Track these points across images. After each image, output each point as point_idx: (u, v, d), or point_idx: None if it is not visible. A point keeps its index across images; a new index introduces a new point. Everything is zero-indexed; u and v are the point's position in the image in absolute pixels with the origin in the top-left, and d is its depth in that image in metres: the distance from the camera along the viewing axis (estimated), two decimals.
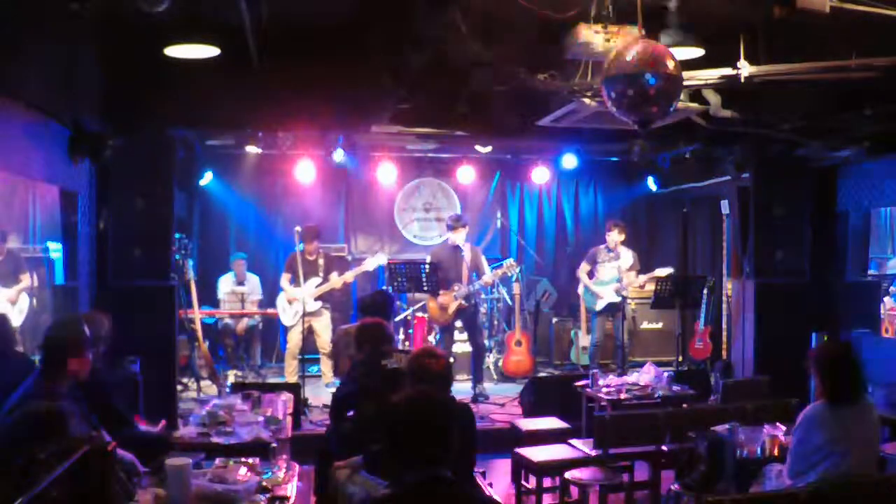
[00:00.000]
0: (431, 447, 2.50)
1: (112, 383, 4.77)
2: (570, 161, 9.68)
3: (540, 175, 10.24)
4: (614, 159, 10.27)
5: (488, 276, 8.34)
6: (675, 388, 6.36)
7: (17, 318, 7.40)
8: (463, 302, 8.22)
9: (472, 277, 8.29)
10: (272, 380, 8.97)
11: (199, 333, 8.18)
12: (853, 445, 3.75)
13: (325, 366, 8.80)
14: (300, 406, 7.12)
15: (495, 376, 9.40)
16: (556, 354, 10.08)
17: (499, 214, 10.77)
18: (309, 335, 8.70)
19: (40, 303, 8.02)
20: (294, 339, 8.64)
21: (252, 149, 9.03)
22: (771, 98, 6.26)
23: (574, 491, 5.22)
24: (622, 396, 6.19)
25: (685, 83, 4.53)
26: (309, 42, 5.98)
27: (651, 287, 8.49)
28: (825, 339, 6.58)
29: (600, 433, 5.02)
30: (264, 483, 3.66)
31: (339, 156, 8.78)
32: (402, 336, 9.39)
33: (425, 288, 8.15)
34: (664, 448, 5.13)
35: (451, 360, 4.54)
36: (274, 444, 4.38)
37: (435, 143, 9.14)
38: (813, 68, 5.30)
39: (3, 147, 5.03)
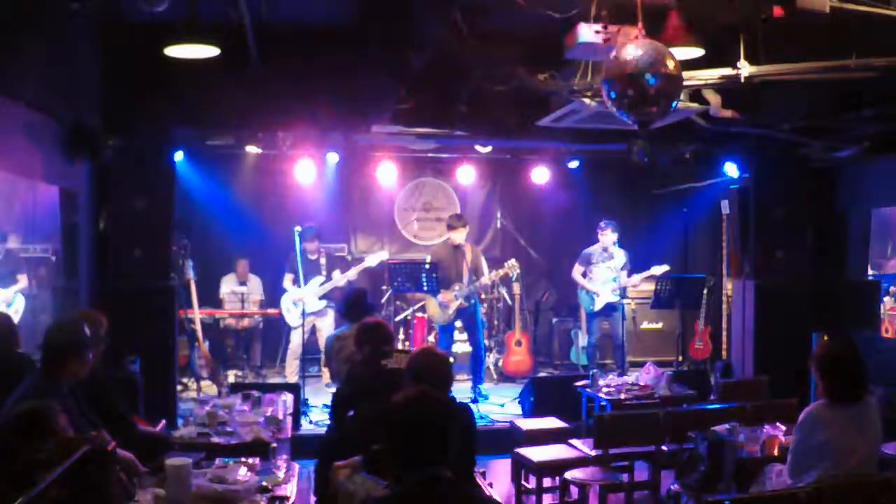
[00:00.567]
0: (431, 447, 2.50)
1: (112, 383, 4.77)
2: (570, 162, 9.69)
3: (540, 175, 10.24)
4: (614, 159, 10.27)
5: (488, 276, 8.33)
6: (675, 388, 6.36)
7: (12, 319, 7.39)
8: (463, 301, 8.22)
9: (472, 277, 8.29)
10: (272, 380, 8.98)
11: (199, 333, 8.18)
12: (854, 445, 3.75)
13: (325, 366, 8.80)
14: (300, 406, 7.12)
15: (495, 376, 9.40)
16: (556, 354, 10.08)
17: (499, 214, 10.76)
18: (312, 335, 8.70)
19: (40, 303, 8.01)
20: (296, 340, 8.64)
21: (252, 149, 9.02)
22: (771, 98, 6.27)
23: (574, 491, 5.22)
24: (622, 396, 6.19)
25: (685, 83, 4.53)
26: (309, 42, 6.00)
27: (649, 286, 8.49)
28: (825, 339, 6.57)
29: (600, 433, 5.02)
30: (264, 483, 3.66)
31: (332, 159, 8.78)
32: (402, 336, 9.39)
33: (425, 288, 8.15)
34: (664, 448, 5.13)
35: (451, 360, 4.54)
36: (274, 444, 4.38)
37: (435, 143, 9.13)
38: (813, 68, 5.30)
39: (2, 147, 5.03)
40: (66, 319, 4.75)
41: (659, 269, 8.62)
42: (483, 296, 9.41)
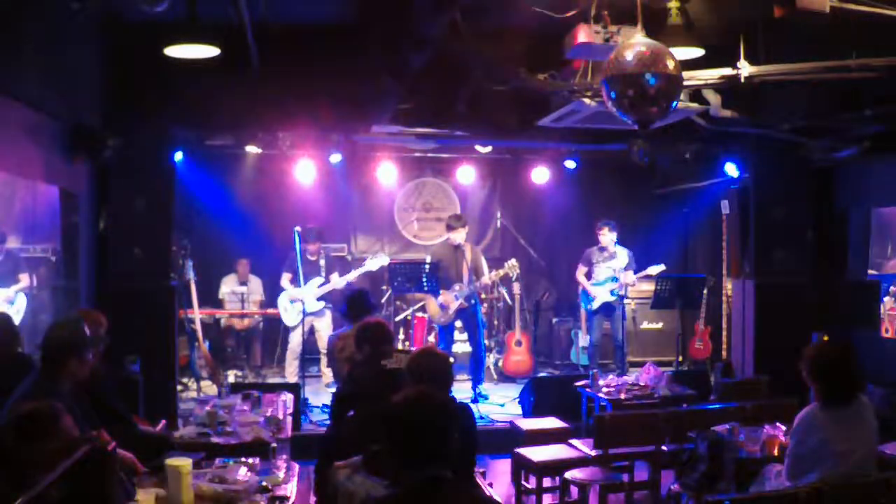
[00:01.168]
0: (431, 447, 2.50)
1: (112, 383, 4.77)
2: (569, 162, 9.69)
3: (540, 175, 10.24)
4: (614, 159, 10.27)
5: (488, 276, 8.33)
6: (675, 388, 6.36)
7: (14, 318, 7.39)
8: (463, 302, 8.22)
9: (472, 277, 8.28)
10: (272, 380, 8.98)
11: (199, 333, 8.18)
12: (851, 446, 3.75)
13: (326, 366, 8.80)
14: (300, 406, 7.12)
15: (495, 376, 9.40)
16: (556, 354, 10.08)
17: (499, 214, 10.76)
18: (310, 335, 8.70)
19: (39, 303, 8.01)
20: (295, 340, 8.64)
21: (252, 149, 9.03)
22: (771, 98, 6.27)
23: (574, 491, 5.22)
24: (622, 396, 6.19)
25: (685, 83, 4.53)
26: (309, 42, 6.00)
27: (649, 286, 8.49)
28: (817, 340, 6.57)
29: (600, 433, 5.02)
30: (264, 483, 3.66)
31: (335, 159, 8.78)
32: (402, 336, 9.39)
33: (425, 288, 8.15)
34: (664, 448, 5.13)
35: (451, 360, 4.54)
36: (274, 444, 4.38)
37: (435, 143, 9.14)
38: (813, 68, 5.31)
39: (2, 147, 5.03)
40: (66, 319, 4.75)
41: (655, 269, 8.62)
42: (483, 296, 9.41)
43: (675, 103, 4.12)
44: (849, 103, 6.42)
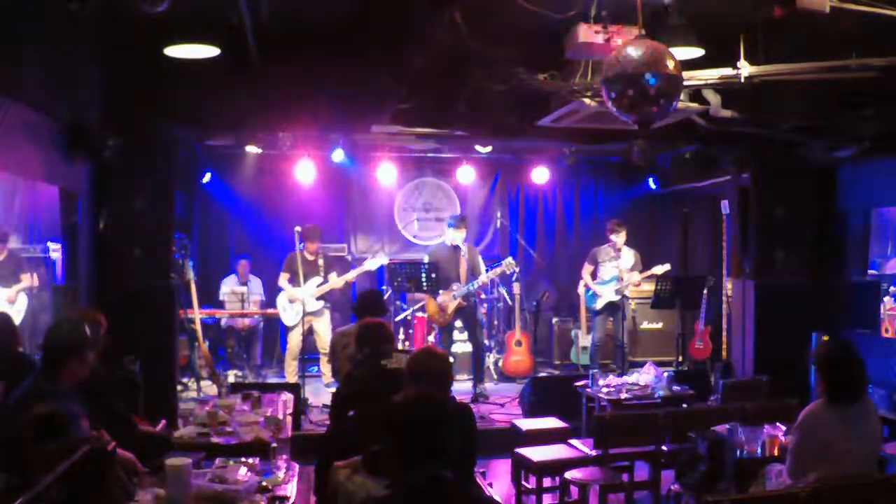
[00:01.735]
0: (431, 447, 2.50)
1: (112, 383, 4.77)
2: (569, 162, 9.69)
3: (540, 175, 10.24)
4: (614, 159, 10.28)
5: (486, 275, 8.34)
6: (675, 388, 6.36)
7: (15, 318, 7.39)
8: (462, 301, 8.22)
9: (469, 277, 8.29)
10: (272, 380, 8.98)
11: (199, 333, 8.18)
12: (853, 445, 3.75)
13: (325, 366, 8.79)
14: (300, 406, 7.12)
15: (495, 376, 9.40)
16: (556, 354, 10.08)
17: (499, 214, 10.76)
18: (309, 335, 8.70)
19: (39, 303, 8.01)
20: (294, 340, 8.64)
21: (252, 149, 9.03)
22: (771, 98, 6.27)
23: (574, 491, 5.22)
24: (622, 396, 6.19)
25: (685, 83, 4.53)
26: (309, 42, 6.00)
27: (651, 287, 8.49)
28: (825, 339, 6.57)
29: (600, 433, 5.02)
30: (264, 483, 3.65)
31: (338, 155, 8.78)
32: (402, 336, 9.39)
33: (425, 288, 8.15)
34: (664, 448, 5.13)
35: (451, 359, 4.56)
36: (274, 444, 4.38)
37: (435, 143, 9.14)
38: (813, 68, 5.31)
39: (2, 147, 5.02)
40: (66, 319, 4.75)
41: (660, 269, 8.63)
42: (483, 296, 9.41)
43: (675, 103, 4.12)
44: (849, 103, 6.42)
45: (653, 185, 10.19)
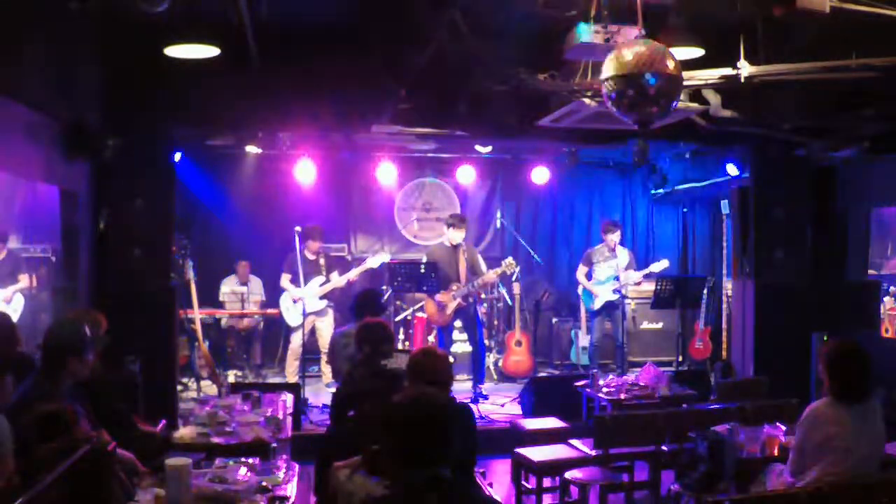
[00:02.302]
0: (431, 447, 2.50)
1: (112, 383, 4.77)
2: (568, 161, 9.69)
3: (540, 175, 10.24)
4: (614, 159, 10.28)
5: (487, 275, 8.34)
6: (675, 388, 6.36)
7: (11, 318, 7.39)
8: (461, 301, 8.22)
9: (469, 276, 8.29)
10: (272, 380, 8.98)
11: (199, 333, 8.18)
12: (856, 444, 3.75)
13: (326, 366, 8.80)
14: (300, 406, 7.12)
15: (495, 376, 9.40)
16: (556, 354, 10.08)
17: (499, 214, 10.76)
18: (311, 335, 8.70)
19: (40, 303, 8.01)
20: (296, 340, 8.64)
21: (252, 149, 9.02)
22: (771, 98, 6.27)
23: (574, 491, 5.22)
24: (622, 396, 6.19)
25: (685, 83, 4.53)
26: (309, 42, 6.00)
27: (651, 286, 8.50)
28: (825, 338, 6.57)
29: (600, 433, 5.02)
30: (264, 483, 3.65)
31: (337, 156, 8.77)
32: (402, 336, 9.39)
33: (425, 288, 8.15)
34: (664, 448, 5.13)
35: (451, 360, 4.57)
36: (274, 444, 4.38)
37: (435, 143, 9.14)
38: (813, 68, 5.31)
39: (2, 147, 5.03)
40: (66, 319, 4.75)
41: (659, 266, 8.63)
42: (483, 296, 9.41)
43: (675, 103, 4.12)
44: (849, 103, 6.42)
45: (653, 185, 10.20)
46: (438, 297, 8.20)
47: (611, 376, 6.88)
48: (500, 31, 5.37)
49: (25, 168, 5.63)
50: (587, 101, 5.71)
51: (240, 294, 9.29)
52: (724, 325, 9.40)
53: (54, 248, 8.09)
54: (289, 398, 5.57)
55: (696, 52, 4.87)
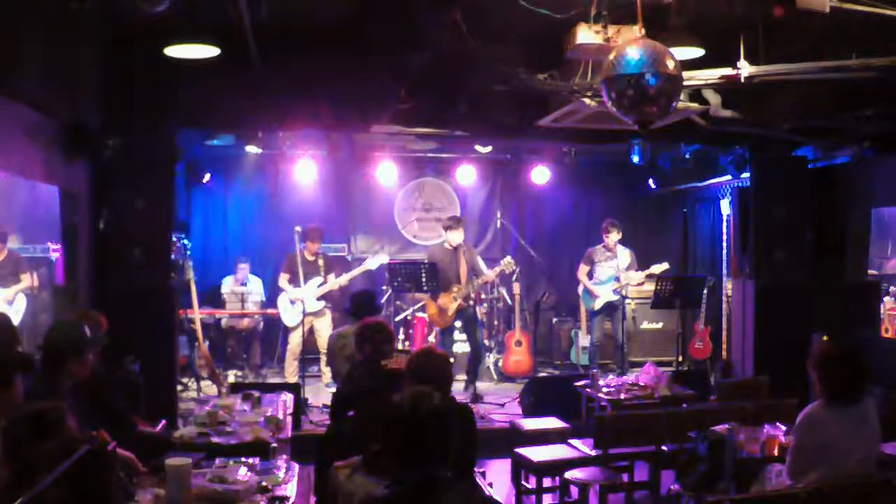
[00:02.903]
0: (431, 447, 2.50)
1: (112, 383, 4.77)
2: (569, 162, 9.70)
3: (540, 175, 10.24)
4: (614, 159, 10.27)
5: (486, 274, 8.34)
6: (675, 388, 6.36)
7: (14, 319, 7.39)
8: (461, 303, 8.22)
9: (470, 277, 8.29)
10: (272, 380, 8.97)
11: (199, 333, 8.18)
12: (853, 445, 3.75)
13: (325, 366, 8.79)
14: (300, 406, 7.12)
15: (495, 376, 9.40)
16: (556, 354, 10.08)
17: (499, 214, 10.76)
18: (310, 335, 8.70)
19: (39, 303, 8.01)
20: (295, 340, 8.64)
21: (252, 149, 9.03)
22: (771, 98, 6.27)
23: (574, 491, 5.22)
24: (622, 396, 6.19)
25: (685, 83, 4.53)
26: (309, 42, 6.00)
27: (651, 287, 8.50)
28: (824, 339, 6.57)
29: (600, 433, 5.02)
30: (264, 483, 3.65)
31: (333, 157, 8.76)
32: (402, 336, 9.39)
33: (425, 288, 8.15)
34: (664, 448, 5.13)
35: (451, 360, 4.58)
36: (274, 444, 4.38)
37: (435, 143, 9.14)
38: (813, 68, 5.31)
39: (2, 147, 5.03)
40: (66, 319, 4.75)
41: (659, 268, 8.63)
42: (483, 296, 9.41)
43: (675, 103, 4.12)
44: (849, 103, 6.42)
45: (653, 185, 10.20)
46: (440, 300, 8.20)
47: (611, 376, 6.88)
48: (500, 31, 5.37)
49: (25, 168, 5.63)
50: (587, 101, 5.71)
51: (240, 294, 9.29)
52: (724, 325, 9.40)
53: (54, 248, 8.09)
54: (289, 398, 5.57)
55: (696, 52, 4.87)
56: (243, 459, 3.90)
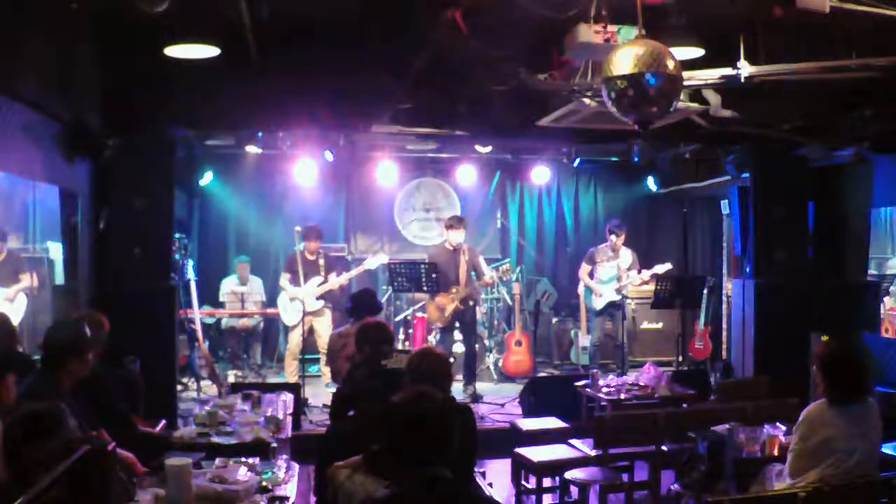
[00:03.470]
0: (431, 447, 2.50)
1: (112, 383, 4.77)
2: (569, 161, 9.70)
3: (540, 175, 10.24)
4: (614, 159, 10.28)
5: (487, 278, 8.34)
6: (675, 388, 6.36)
7: (14, 319, 7.38)
8: (459, 304, 8.22)
9: (470, 278, 8.29)
10: (272, 380, 8.98)
11: (199, 333, 8.18)
12: (854, 445, 3.75)
13: (325, 366, 8.79)
14: (300, 406, 7.12)
15: (495, 376, 9.40)
16: (556, 354, 10.08)
17: (499, 214, 10.76)
18: (310, 335, 8.70)
19: (39, 303, 8.01)
20: (295, 340, 8.64)
21: (252, 149, 9.03)
22: (771, 98, 6.27)
23: (574, 491, 5.22)
24: (622, 396, 6.19)
25: (685, 83, 4.53)
26: (309, 42, 6.00)
27: (651, 287, 8.50)
28: (824, 338, 6.56)
29: (600, 433, 5.02)
30: (264, 483, 3.66)
31: (329, 156, 8.76)
32: (402, 336, 9.39)
33: (425, 288, 8.15)
34: (664, 448, 5.13)
35: (451, 360, 4.59)
36: (274, 444, 4.38)
37: (435, 143, 9.14)
38: (813, 68, 5.31)
39: (2, 147, 5.03)
40: (66, 319, 4.75)
41: (662, 268, 8.63)
42: (483, 296, 9.41)
43: (675, 103, 4.11)
44: (849, 103, 6.41)
45: (653, 185, 10.20)
46: (437, 300, 8.20)
47: (611, 376, 6.87)
48: (500, 31, 5.37)
49: (25, 168, 5.63)
50: (587, 101, 5.71)
51: (240, 294, 9.29)
52: (724, 325, 9.40)
53: (54, 248, 8.09)
54: (289, 398, 5.57)
55: (696, 52, 4.87)
56: (243, 459, 3.90)
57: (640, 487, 5.36)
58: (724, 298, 9.38)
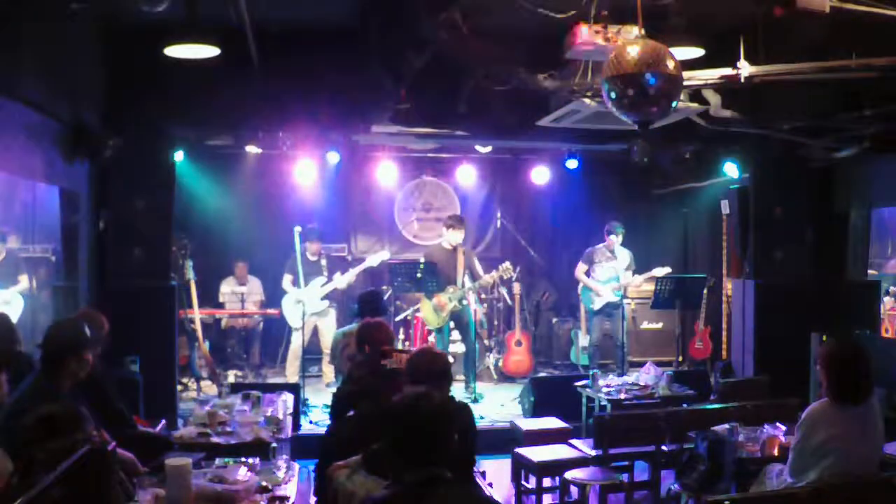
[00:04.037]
0: (431, 447, 2.50)
1: (112, 383, 4.77)
2: (570, 162, 9.68)
3: (540, 175, 10.24)
4: (614, 159, 10.27)
5: (484, 278, 8.34)
6: (675, 388, 6.36)
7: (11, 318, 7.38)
8: (456, 304, 8.22)
9: (469, 278, 8.29)
10: (272, 380, 8.98)
11: (199, 333, 8.18)
12: (855, 445, 3.75)
13: (327, 366, 8.80)
14: (300, 406, 7.13)
15: (495, 376, 9.40)
16: (556, 354, 10.08)
17: (499, 214, 10.76)
18: (313, 335, 8.71)
19: (40, 303, 8.00)
20: (298, 340, 8.64)
21: (252, 149, 9.03)
22: (771, 98, 6.27)
23: (574, 491, 5.22)
24: (622, 396, 6.19)
25: (685, 83, 4.53)
26: (309, 42, 6.01)
27: (650, 287, 8.50)
28: (824, 338, 6.57)
29: (600, 433, 5.02)
30: (264, 483, 3.66)
31: (333, 158, 8.77)
32: (402, 336, 9.39)
33: (424, 288, 8.15)
34: (664, 448, 5.13)
35: (451, 359, 4.60)
36: (274, 444, 4.38)
37: (435, 143, 9.13)
38: (813, 68, 5.31)
39: (2, 147, 5.03)
40: (66, 319, 4.75)
41: (661, 271, 8.62)
42: (483, 296, 9.40)
43: (675, 103, 4.12)
44: (849, 103, 6.42)
45: (652, 185, 10.18)
46: (434, 299, 8.20)
47: (611, 376, 6.87)
48: (500, 31, 5.38)
49: (26, 168, 5.63)
50: (587, 101, 5.71)
51: (240, 294, 9.29)
52: (724, 325, 9.39)
53: (54, 248, 8.08)
54: (289, 398, 5.57)
55: (696, 52, 4.87)
56: (243, 459, 3.90)
57: (640, 487, 5.36)
58: (724, 298, 9.37)
